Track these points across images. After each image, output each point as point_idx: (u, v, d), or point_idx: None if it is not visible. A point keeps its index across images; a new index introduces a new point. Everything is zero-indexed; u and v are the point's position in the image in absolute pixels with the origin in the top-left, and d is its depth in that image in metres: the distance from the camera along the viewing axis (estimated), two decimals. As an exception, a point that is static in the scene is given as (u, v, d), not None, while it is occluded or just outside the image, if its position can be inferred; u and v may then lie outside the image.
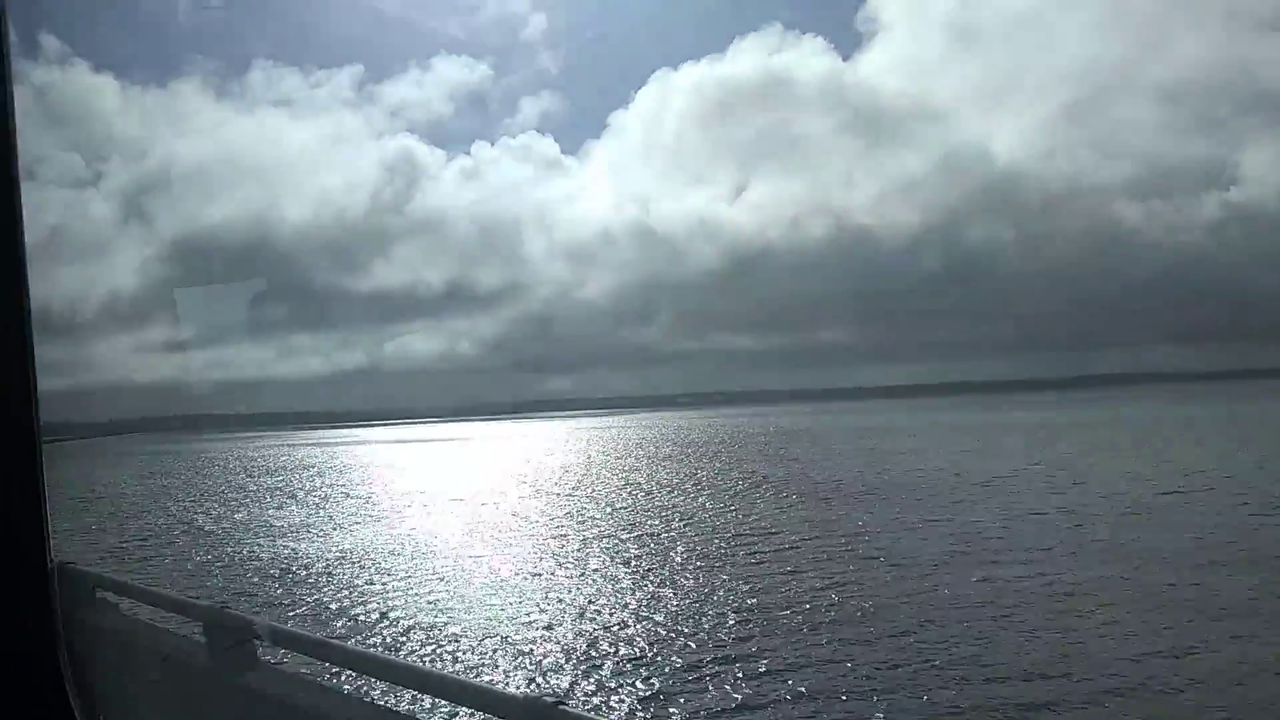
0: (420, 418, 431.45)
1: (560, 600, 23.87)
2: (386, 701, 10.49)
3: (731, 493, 46.59)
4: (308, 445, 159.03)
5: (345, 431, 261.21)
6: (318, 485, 64.11)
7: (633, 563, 28.79)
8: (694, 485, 51.01)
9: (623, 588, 25.20)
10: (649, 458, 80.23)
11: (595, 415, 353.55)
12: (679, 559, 29.11)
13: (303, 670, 7.92)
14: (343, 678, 11.16)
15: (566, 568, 28.38)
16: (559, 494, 50.16)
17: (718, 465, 65.44)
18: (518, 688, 15.80)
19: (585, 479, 59.01)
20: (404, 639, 20.61)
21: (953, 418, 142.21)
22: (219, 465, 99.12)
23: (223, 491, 60.06)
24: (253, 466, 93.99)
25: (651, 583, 25.78)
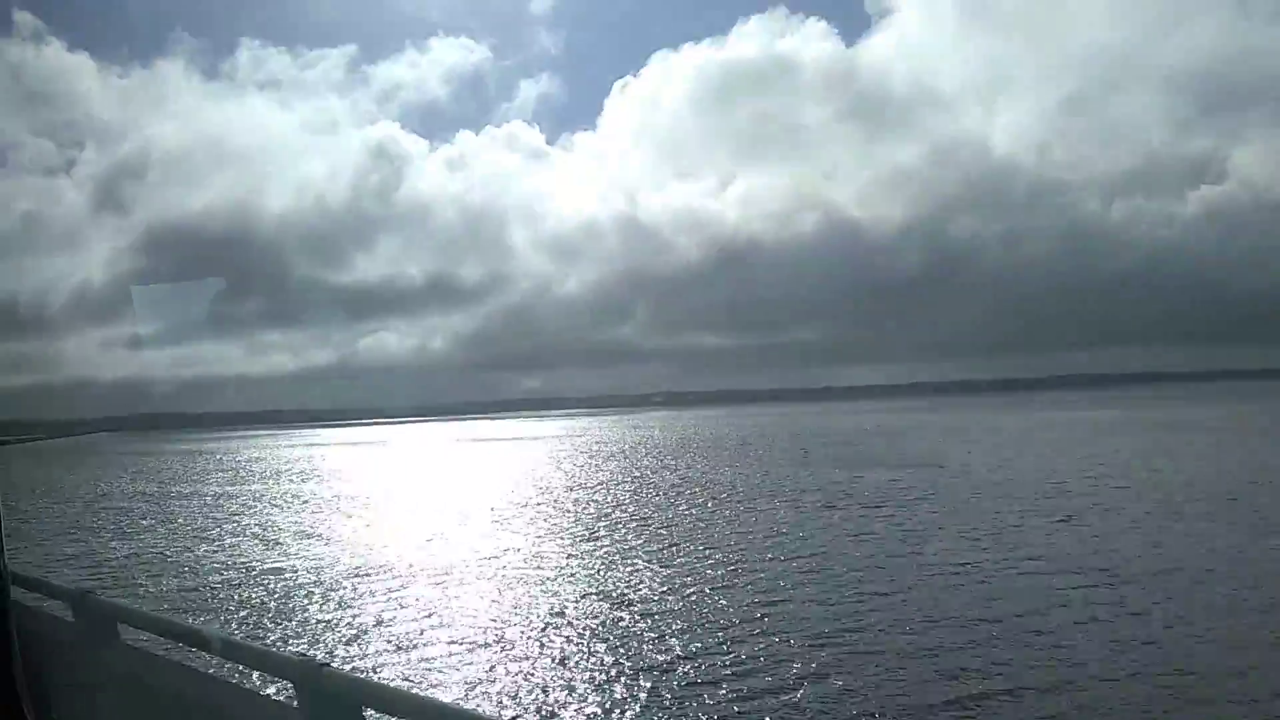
0: (392, 417, 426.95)
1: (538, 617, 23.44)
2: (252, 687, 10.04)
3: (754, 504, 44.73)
4: (291, 447, 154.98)
5: (324, 432, 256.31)
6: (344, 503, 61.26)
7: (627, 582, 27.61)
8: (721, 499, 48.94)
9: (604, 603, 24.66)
10: (651, 466, 77.89)
11: (571, 416, 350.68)
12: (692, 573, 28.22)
13: (169, 655, 7.81)
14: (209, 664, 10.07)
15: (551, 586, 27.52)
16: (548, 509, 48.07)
17: (736, 471, 63.37)
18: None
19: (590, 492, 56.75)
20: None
21: (938, 418, 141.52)
22: (218, 469, 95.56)
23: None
24: (253, 471, 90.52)
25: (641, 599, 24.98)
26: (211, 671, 7.56)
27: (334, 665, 5.08)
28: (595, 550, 33.27)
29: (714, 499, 47.35)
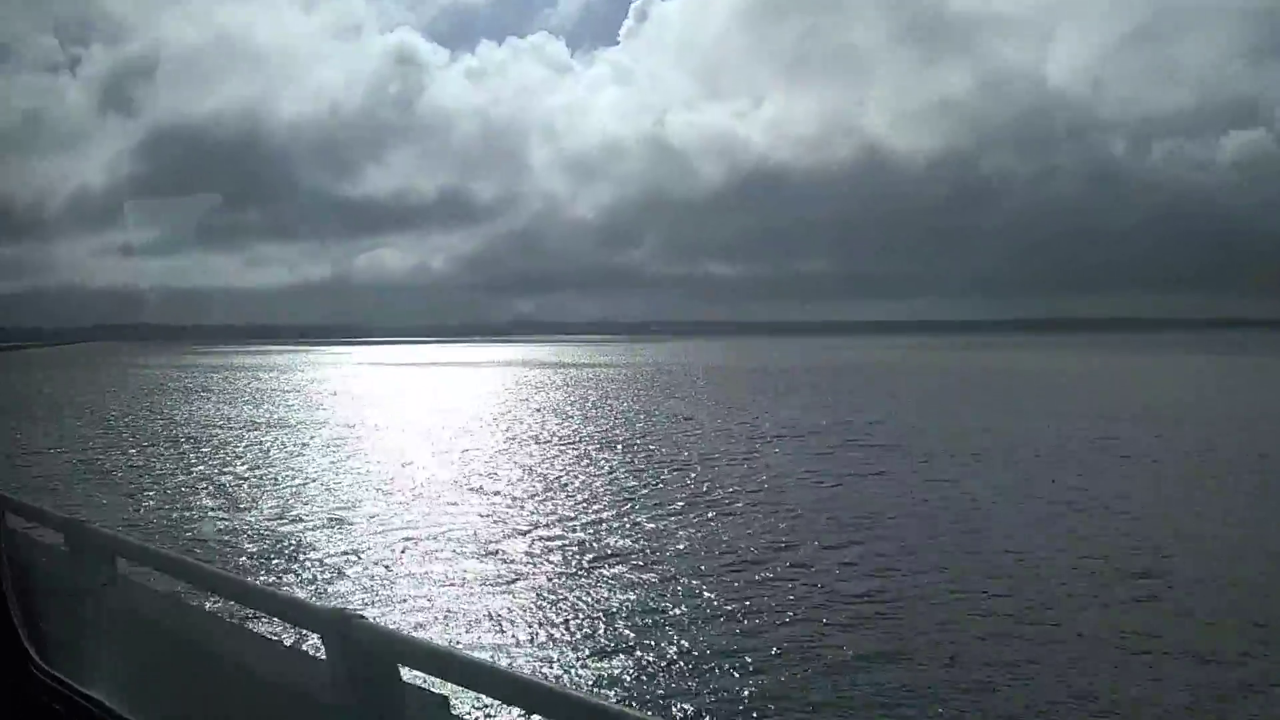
0: (388, 337, 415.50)
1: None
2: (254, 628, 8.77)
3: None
4: (321, 365, 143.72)
5: (356, 350, 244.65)
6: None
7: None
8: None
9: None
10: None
11: (575, 343, 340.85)
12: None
13: (162, 590, 7.33)
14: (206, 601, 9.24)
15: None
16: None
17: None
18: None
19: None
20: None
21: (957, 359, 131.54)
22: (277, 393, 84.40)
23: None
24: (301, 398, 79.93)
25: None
26: (221, 615, 7.40)
27: (367, 617, 4.55)
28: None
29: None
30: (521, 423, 51.60)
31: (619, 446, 40.02)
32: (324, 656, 4.65)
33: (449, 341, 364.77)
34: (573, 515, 25.26)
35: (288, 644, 8.03)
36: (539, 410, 60.07)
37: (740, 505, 26.16)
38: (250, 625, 9.28)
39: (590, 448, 39.90)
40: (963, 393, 70.99)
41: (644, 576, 18.87)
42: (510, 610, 16.87)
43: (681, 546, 21.34)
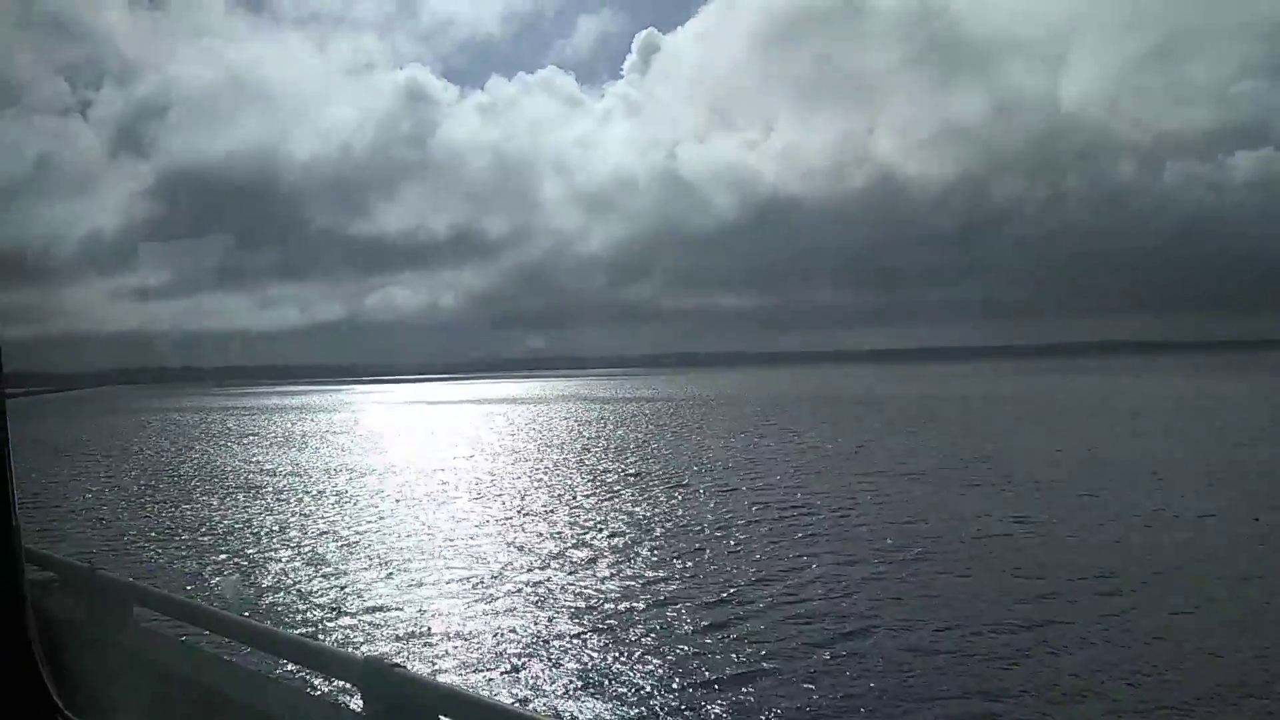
0: (401, 374, 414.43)
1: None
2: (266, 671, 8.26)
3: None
4: (342, 409, 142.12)
5: (396, 388, 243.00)
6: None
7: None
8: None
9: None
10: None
11: (587, 377, 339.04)
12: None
13: (180, 636, 7.22)
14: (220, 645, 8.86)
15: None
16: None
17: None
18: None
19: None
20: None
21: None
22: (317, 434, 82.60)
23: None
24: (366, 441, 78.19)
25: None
26: (237, 661, 7.03)
27: (405, 666, 4.30)
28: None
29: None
30: (602, 463, 49.72)
31: (727, 488, 38.07)
32: (360, 707, 4.44)
33: (464, 378, 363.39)
34: (734, 573, 23.30)
35: (319, 694, 8.29)
36: (611, 449, 58.13)
37: (911, 557, 24.01)
38: (275, 674, 9.11)
39: (691, 487, 37.97)
40: (1037, 422, 68.87)
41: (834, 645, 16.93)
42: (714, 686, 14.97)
43: (888, 617, 19.33)
